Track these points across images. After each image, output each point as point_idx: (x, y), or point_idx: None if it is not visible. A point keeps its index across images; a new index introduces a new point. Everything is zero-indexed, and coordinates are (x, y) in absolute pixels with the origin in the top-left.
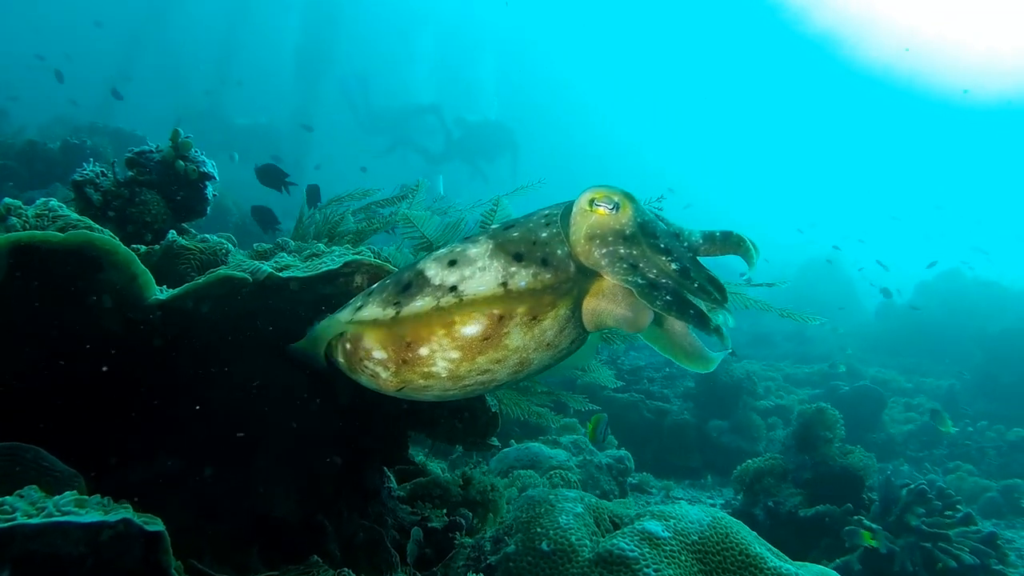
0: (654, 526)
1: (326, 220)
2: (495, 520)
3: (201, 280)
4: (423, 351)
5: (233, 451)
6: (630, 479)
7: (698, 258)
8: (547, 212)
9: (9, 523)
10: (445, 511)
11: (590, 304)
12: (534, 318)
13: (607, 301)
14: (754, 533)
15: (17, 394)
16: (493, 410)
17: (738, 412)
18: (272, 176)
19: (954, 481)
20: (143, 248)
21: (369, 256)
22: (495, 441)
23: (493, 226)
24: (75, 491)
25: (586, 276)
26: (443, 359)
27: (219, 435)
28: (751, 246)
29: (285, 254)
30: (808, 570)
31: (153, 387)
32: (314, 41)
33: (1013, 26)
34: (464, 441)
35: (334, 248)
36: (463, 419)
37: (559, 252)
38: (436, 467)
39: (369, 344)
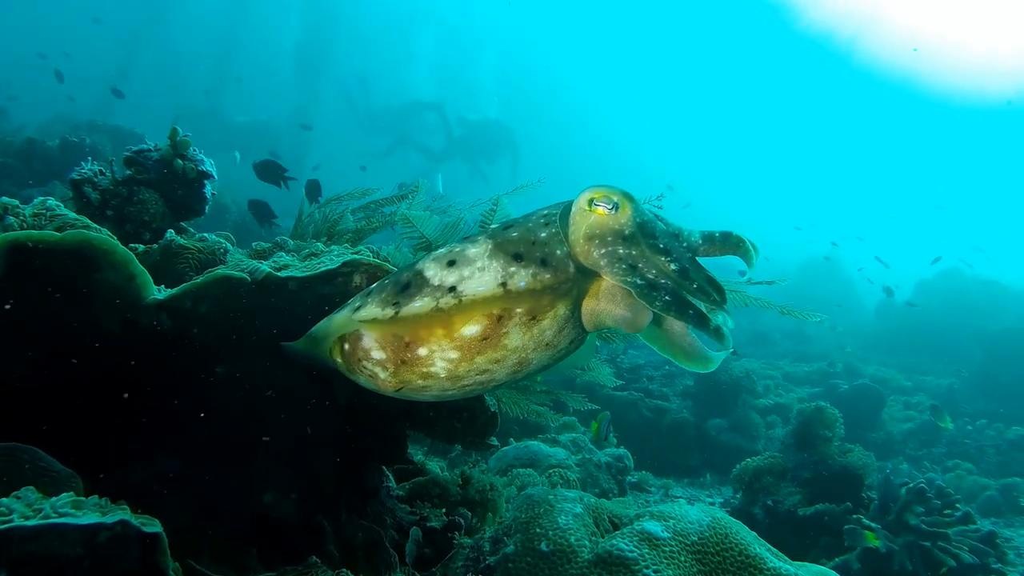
0: (653, 526)
1: (325, 219)
2: (494, 519)
3: (199, 280)
4: (422, 351)
5: (232, 451)
6: (629, 477)
7: (697, 259)
8: (546, 212)
9: (6, 525)
10: (444, 510)
11: (589, 304)
12: (533, 318)
13: (606, 301)
14: (753, 533)
15: (16, 394)
16: (492, 409)
17: (737, 410)
18: (270, 171)
19: (953, 480)
20: (141, 247)
21: (368, 256)
22: (494, 441)
23: (492, 226)
24: (72, 492)
25: (585, 276)
26: (442, 359)
27: (218, 435)
28: (750, 247)
29: (283, 253)
30: (808, 570)
31: (152, 387)
32: (314, 39)
33: (1014, 27)
34: (463, 441)
35: (333, 247)
36: (462, 419)
37: (558, 252)
38: (435, 466)
39: (368, 344)
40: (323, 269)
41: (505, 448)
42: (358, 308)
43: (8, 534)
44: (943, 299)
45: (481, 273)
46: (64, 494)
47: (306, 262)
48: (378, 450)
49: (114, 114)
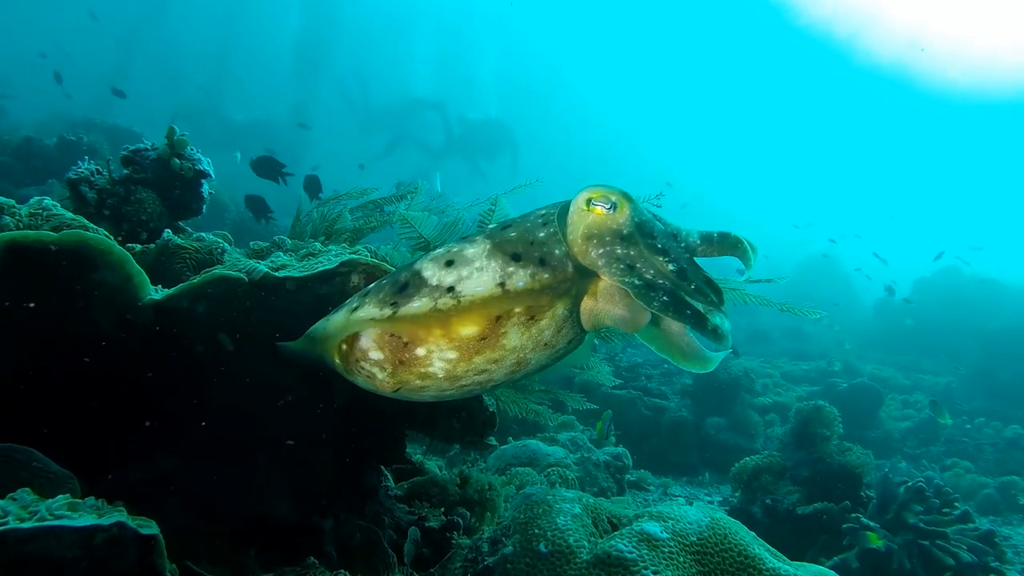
0: (652, 527)
1: (323, 218)
2: (493, 519)
3: (196, 280)
4: (420, 351)
5: (230, 451)
6: (628, 476)
7: (695, 259)
8: (544, 211)
9: (1, 527)
10: (442, 510)
11: (588, 304)
12: (532, 318)
13: (605, 301)
14: (752, 533)
15: (14, 394)
16: (491, 409)
17: (736, 409)
18: (268, 167)
19: (951, 478)
20: (138, 247)
21: (366, 256)
22: (492, 440)
23: (490, 226)
24: (68, 494)
25: (584, 276)
26: (440, 359)
27: (216, 435)
28: (748, 247)
29: (281, 253)
30: (807, 570)
31: (149, 387)
32: (313, 37)
33: (1014, 24)
34: (462, 440)
35: (330, 247)
36: (460, 418)
37: (557, 252)
38: (433, 465)
39: (365, 345)
40: (321, 269)
41: (504, 447)
42: (356, 308)
43: (3, 536)
44: (941, 297)
45: (479, 273)
46: (60, 496)
47: (304, 262)
48: (376, 450)
49: (112, 112)
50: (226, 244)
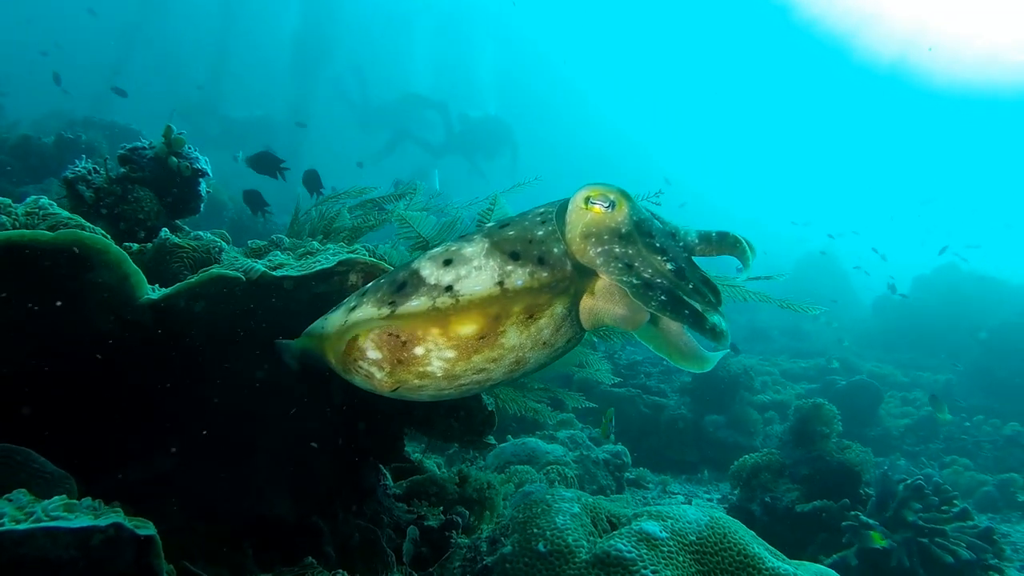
0: (651, 526)
1: (322, 217)
2: (492, 518)
3: (194, 279)
4: (418, 351)
5: (228, 451)
6: (627, 474)
7: (694, 258)
8: (543, 210)
9: None
10: (441, 509)
11: (587, 303)
12: (530, 317)
13: (604, 300)
14: (752, 532)
15: (12, 395)
16: (489, 408)
17: (735, 407)
18: (266, 163)
19: (950, 476)
20: (135, 246)
21: (364, 255)
22: (491, 439)
23: (489, 224)
24: (65, 495)
25: (583, 274)
26: (438, 358)
27: (214, 435)
28: (747, 246)
29: (279, 252)
30: (806, 569)
31: (148, 387)
32: (312, 34)
33: (1014, 22)
34: (460, 439)
35: (328, 246)
36: (459, 417)
37: (555, 250)
38: (432, 464)
39: (363, 344)
40: (319, 268)
41: (503, 445)
42: (354, 307)
43: None
44: (940, 294)
45: (478, 272)
46: (56, 497)
47: (302, 261)
48: (375, 449)
49: (110, 110)
50: (224, 243)
